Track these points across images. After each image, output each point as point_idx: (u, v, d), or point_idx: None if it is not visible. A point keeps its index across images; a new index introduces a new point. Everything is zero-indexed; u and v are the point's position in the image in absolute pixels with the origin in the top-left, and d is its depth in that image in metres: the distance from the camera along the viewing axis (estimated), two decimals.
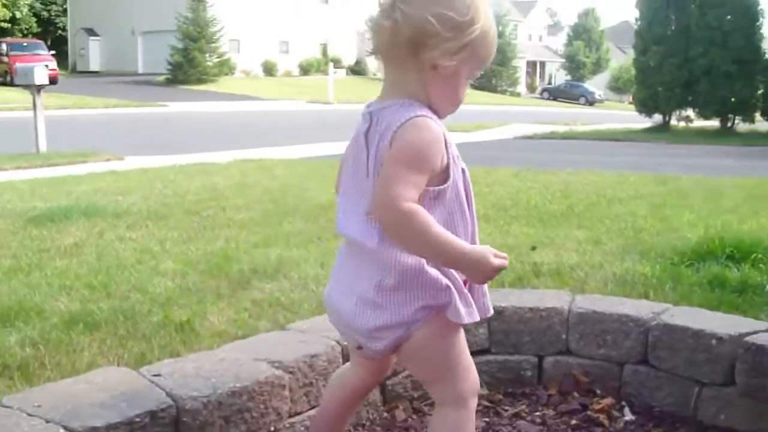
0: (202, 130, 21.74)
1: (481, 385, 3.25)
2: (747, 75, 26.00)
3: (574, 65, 76.36)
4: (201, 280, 4.25)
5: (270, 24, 57.05)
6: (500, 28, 61.90)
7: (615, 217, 6.39)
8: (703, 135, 25.34)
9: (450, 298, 2.09)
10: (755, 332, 2.99)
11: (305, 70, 57.92)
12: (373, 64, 59.85)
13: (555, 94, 65.60)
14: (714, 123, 27.86)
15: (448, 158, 2.05)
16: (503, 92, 68.20)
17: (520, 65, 76.79)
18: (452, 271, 2.11)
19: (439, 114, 2.10)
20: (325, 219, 6.14)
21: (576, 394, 3.25)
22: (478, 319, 2.16)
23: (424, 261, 2.07)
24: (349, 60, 61.12)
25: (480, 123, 25.69)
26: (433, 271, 2.08)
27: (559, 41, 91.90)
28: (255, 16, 55.70)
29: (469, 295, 2.15)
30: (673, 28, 27.31)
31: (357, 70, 60.35)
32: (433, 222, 1.99)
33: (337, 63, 55.51)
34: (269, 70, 56.04)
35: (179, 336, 3.33)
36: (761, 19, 26.61)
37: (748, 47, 25.89)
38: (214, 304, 3.80)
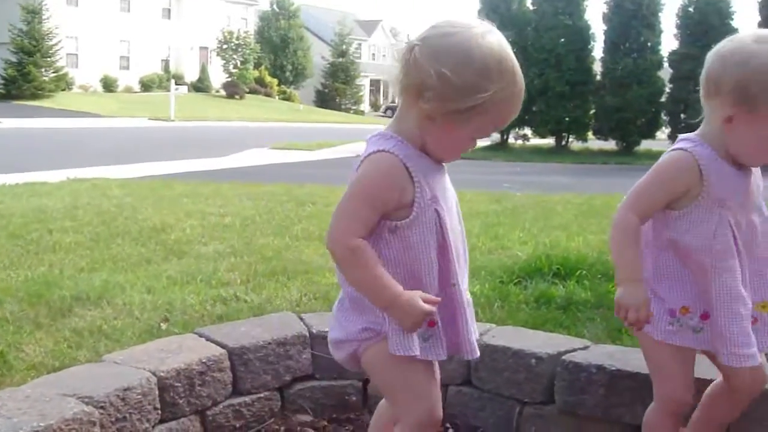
0: (35, 147, 20.89)
1: (306, 411, 3.23)
2: (580, 95, 27.06)
3: None
4: (19, 308, 4.03)
5: (110, 38, 55.67)
6: (344, 47, 61.36)
7: None
8: (539, 153, 26.20)
9: (384, 328, 2.12)
10: (573, 350, 3.07)
11: (147, 86, 56.65)
12: (216, 80, 59.27)
13: None
14: (550, 141, 28.81)
15: (414, 196, 2.05)
16: (347, 110, 68.65)
17: (364, 84, 77.63)
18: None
19: (435, 159, 2.14)
20: (156, 241, 5.97)
21: None
22: (414, 354, 2.12)
23: None
24: (191, 77, 60.20)
25: (323, 141, 25.79)
26: None
27: None
28: (94, 30, 54.22)
29: (435, 330, 2.16)
30: None
31: (200, 87, 59.45)
32: (375, 263, 2.06)
33: (179, 79, 54.58)
34: (109, 86, 54.51)
35: None
36: (592, 43, 27.72)
37: (580, 69, 26.92)
38: (32, 334, 3.62)
